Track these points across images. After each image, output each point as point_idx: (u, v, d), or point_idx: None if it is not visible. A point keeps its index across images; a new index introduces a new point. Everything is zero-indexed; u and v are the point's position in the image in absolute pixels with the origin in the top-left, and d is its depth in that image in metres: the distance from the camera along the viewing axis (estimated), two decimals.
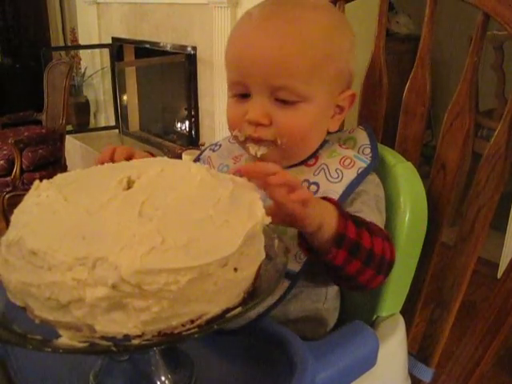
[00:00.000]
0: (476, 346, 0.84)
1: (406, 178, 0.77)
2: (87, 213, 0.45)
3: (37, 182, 0.51)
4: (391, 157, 0.80)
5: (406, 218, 0.75)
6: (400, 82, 1.07)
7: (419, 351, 0.90)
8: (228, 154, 0.82)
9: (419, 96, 0.87)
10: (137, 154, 0.70)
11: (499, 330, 0.81)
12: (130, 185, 0.51)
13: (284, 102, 0.69)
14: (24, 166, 2.68)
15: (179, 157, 2.75)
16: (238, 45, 0.72)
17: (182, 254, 0.41)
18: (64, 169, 2.89)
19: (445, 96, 1.81)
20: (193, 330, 0.43)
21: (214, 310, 0.44)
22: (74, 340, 0.41)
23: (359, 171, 0.72)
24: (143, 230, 0.43)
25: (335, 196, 0.69)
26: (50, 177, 0.53)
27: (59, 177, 0.54)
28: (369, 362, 0.68)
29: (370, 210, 0.70)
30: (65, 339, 0.41)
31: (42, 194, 0.49)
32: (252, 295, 0.48)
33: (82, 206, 0.46)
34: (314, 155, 0.75)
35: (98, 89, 3.91)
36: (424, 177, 0.81)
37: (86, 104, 3.93)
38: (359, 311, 0.81)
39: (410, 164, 0.80)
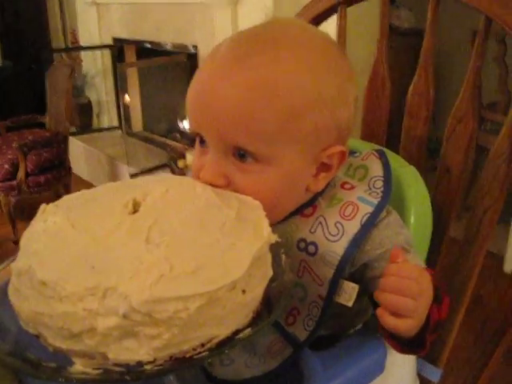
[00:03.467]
0: (485, 345, 0.84)
1: (410, 182, 0.77)
2: (95, 241, 0.46)
3: (43, 205, 0.52)
4: (394, 161, 0.79)
5: (411, 223, 0.75)
6: (400, 77, 1.06)
7: (427, 352, 0.90)
8: None
9: (423, 99, 0.87)
10: None
11: (509, 328, 0.81)
12: (135, 207, 0.51)
13: (244, 159, 0.58)
14: (29, 170, 2.68)
15: (183, 156, 2.75)
16: (194, 88, 0.60)
17: (191, 281, 0.42)
18: (68, 171, 2.90)
19: (446, 92, 1.81)
20: (204, 354, 0.44)
21: (223, 332, 0.45)
22: (87, 367, 0.42)
23: (363, 221, 0.61)
24: (151, 258, 0.43)
25: (336, 260, 0.60)
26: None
27: (65, 199, 0.55)
28: (376, 369, 0.68)
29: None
30: (78, 366, 0.42)
31: (48, 219, 0.50)
32: (261, 314, 0.48)
33: (90, 233, 0.47)
34: (313, 203, 0.65)
35: (99, 89, 3.90)
36: (429, 170, 0.80)
37: (89, 105, 3.93)
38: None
39: (413, 168, 0.79)
